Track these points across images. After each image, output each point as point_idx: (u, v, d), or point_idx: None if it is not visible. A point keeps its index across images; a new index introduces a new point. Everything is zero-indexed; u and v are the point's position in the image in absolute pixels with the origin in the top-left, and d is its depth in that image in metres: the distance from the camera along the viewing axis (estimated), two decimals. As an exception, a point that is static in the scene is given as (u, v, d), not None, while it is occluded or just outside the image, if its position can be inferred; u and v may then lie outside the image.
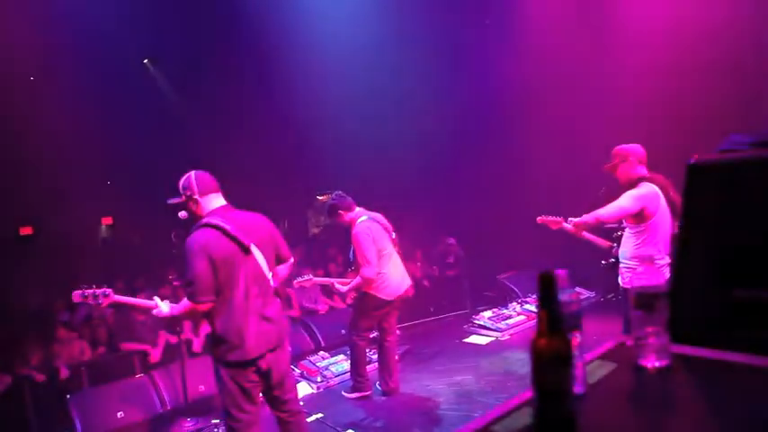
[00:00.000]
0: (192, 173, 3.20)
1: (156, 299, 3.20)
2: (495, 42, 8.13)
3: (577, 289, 7.23)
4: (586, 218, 3.89)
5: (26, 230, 11.63)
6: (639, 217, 3.76)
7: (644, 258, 3.81)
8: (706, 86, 6.13)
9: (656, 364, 1.22)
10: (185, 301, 2.95)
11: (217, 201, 3.18)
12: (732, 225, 1.27)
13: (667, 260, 3.73)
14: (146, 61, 11.09)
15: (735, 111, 5.83)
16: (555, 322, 0.95)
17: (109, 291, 3.28)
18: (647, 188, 3.76)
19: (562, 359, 0.93)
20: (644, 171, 3.86)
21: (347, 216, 4.69)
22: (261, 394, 3.18)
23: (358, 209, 4.75)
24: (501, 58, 8.14)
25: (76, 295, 3.26)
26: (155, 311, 3.16)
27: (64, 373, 5.44)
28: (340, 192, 4.77)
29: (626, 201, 3.76)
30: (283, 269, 3.42)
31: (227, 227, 2.99)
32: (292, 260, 3.50)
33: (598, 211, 3.81)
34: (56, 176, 9.77)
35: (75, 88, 9.07)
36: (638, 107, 6.65)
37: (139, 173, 11.24)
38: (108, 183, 12.50)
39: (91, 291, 3.26)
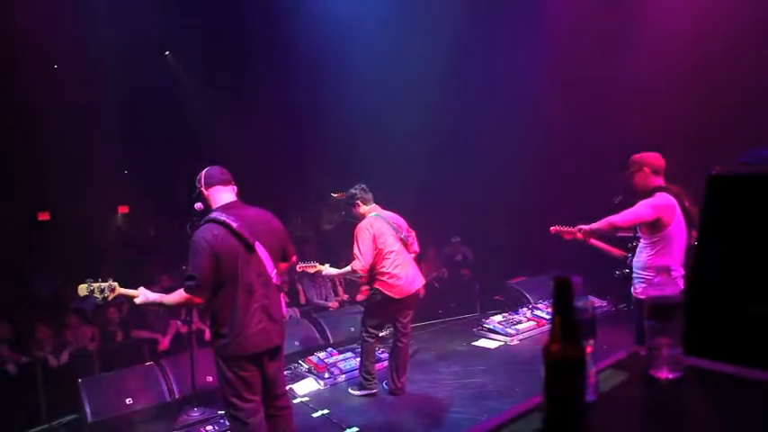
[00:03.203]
0: (207, 168, 3.27)
1: (142, 289, 3.18)
2: (515, 44, 8.07)
3: (590, 298, 7.16)
4: (599, 224, 3.91)
5: (44, 216, 11.79)
6: (654, 227, 3.73)
7: (658, 269, 3.79)
8: (732, 93, 5.99)
9: (669, 375, 1.21)
10: (181, 292, 2.98)
11: (225, 195, 3.22)
12: (751, 239, 1.25)
13: (681, 271, 3.69)
14: (167, 53, 11.18)
15: (760, 118, 5.69)
16: (569, 328, 0.94)
17: (114, 284, 3.22)
18: (663, 198, 3.73)
19: (575, 366, 0.93)
20: (660, 181, 3.83)
21: (362, 209, 4.77)
22: None
23: (373, 205, 4.81)
24: (520, 60, 8.09)
25: (82, 289, 3.20)
26: (137, 300, 3.13)
27: (64, 359, 5.51)
28: (363, 185, 4.84)
29: (641, 208, 3.74)
30: (284, 265, 3.46)
31: (233, 224, 3.02)
32: (295, 259, 3.56)
33: (612, 216, 3.81)
34: (75, 163, 9.90)
35: (97, 77, 9.18)
36: (659, 114, 6.54)
37: (157, 163, 11.36)
38: (125, 172, 12.65)
39: (97, 284, 3.19)
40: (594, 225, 3.94)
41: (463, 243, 8.75)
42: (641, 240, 3.92)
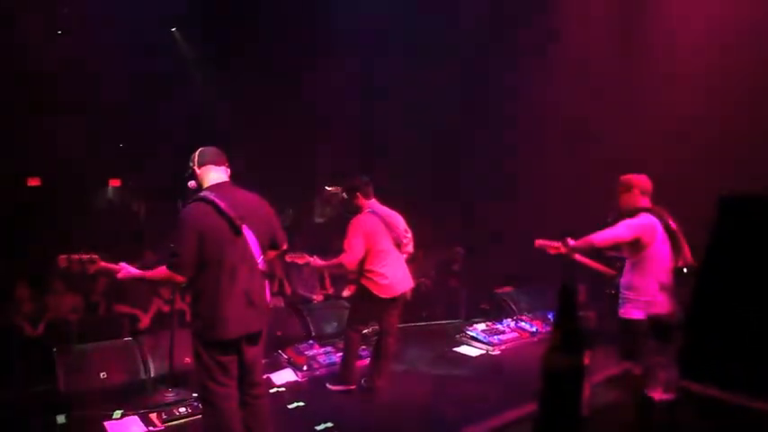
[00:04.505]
0: (202, 147, 3.25)
1: (123, 264, 3.17)
2: (522, 53, 8.05)
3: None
4: (580, 242, 3.95)
5: (34, 182, 11.67)
6: (635, 247, 3.80)
7: (640, 289, 3.87)
8: (742, 115, 5.86)
9: (663, 396, 1.18)
10: (163, 268, 2.97)
11: (216, 175, 3.19)
12: (759, 262, 1.23)
13: (665, 292, 3.71)
14: (173, 30, 11.08)
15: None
16: (571, 338, 0.91)
17: (95, 257, 3.20)
18: (645, 218, 3.81)
19: (574, 376, 0.90)
20: (646, 202, 3.91)
21: (361, 201, 4.72)
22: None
23: (373, 200, 4.77)
24: (524, 70, 8.06)
25: (62, 260, 3.16)
26: (119, 275, 3.12)
27: (39, 330, 5.43)
28: (366, 178, 4.80)
29: (620, 229, 3.81)
30: (273, 253, 3.42)
31: (221, 204, 2.97)
32: (285, 247, 3.50)
33: (592, 235, 3.87)
34: (71, 132, 9.79)
35: (100, 48, 9.09)
36: (667, 133, 6.45)
37: (154, 140, 11.26)
38: (120, 146, 12.53)
39: (77, 256, 3.17)
40: (576, 243, 3.99)
41: (464, 254, 8.65)
42: (626, 260, 3.98)
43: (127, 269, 3.12)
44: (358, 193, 4.73)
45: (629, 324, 3.83)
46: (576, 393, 0.90)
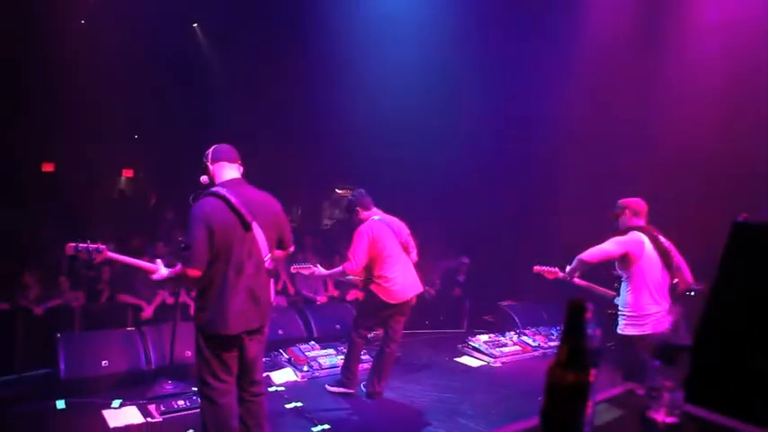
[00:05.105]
0: (216, 144, 3.27)
1: (159, 262, 3.20)
2: (538, 68, 8.01)
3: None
4: (573, 265, 4.10)
5: (48, 167, 11.79)
6: (624, 262, 3.94)
7: (634, 305, 3.95)
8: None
9: (666, 419, 1.17)
10: (179, 265, 2.98)
11: (229, 172, 3.20)
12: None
13: (658, 309, 3.83)
14: (195, 26, 11.17)
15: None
16: (578, 354, 0.91)
17: (102, 247, 3.25)
18: (632, 235, 3.97)
19: (579, 393, 0.89)
20: (639, 222, 4.06)
21: (363, 215, 4.73)
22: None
23: (374, 209, 4.78)
24: (542, 85, 8.03)
25: (69, 248, 3.22)
26: (154, 276, 3.15)
27: (37, 311, 5.46)
28: (362, 190, 4.81)
29: (608, 244, 3.97)
30: (280, 253, 3.42)
31: (232, 199, 2.99)
32: (292, 249, 3.50)
33: (581, 254, 4.00)
34: (86, 120, 9.87)
35: (122, 39, 9.17)
36: (683, 159, 6.37)
37: (168, 133, 11.33)
38: (135, 137, 12.63)
39: (84, 245, 3.22)
40: (570, 267, 4.13)
41: (469, 265, 8.61)
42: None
43: (161, 270, 3.13)
44: (357, 208, 4.74)
45: (628, 341, 3.92)
46: (580, 411, 0.89)
